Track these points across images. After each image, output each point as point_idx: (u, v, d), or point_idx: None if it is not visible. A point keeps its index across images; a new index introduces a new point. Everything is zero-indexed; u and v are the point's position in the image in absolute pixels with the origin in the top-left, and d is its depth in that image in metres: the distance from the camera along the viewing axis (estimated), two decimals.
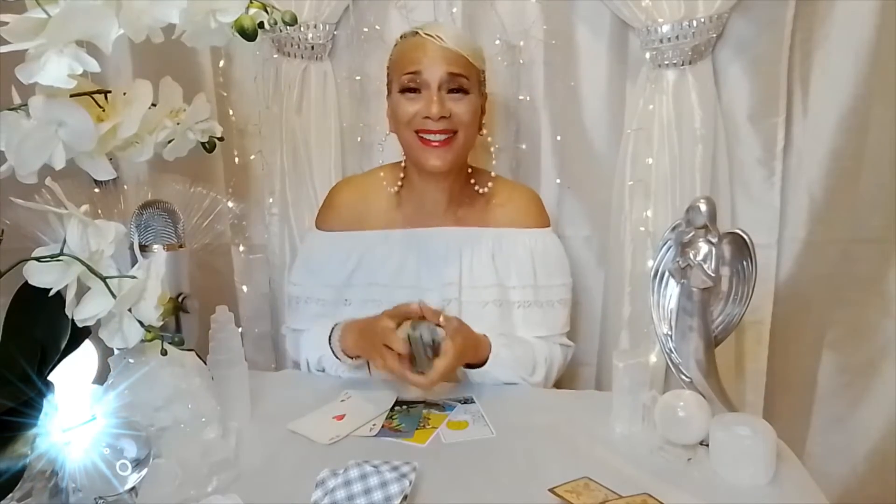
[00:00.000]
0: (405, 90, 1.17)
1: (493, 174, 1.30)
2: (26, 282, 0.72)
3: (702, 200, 0.97)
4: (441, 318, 1.09)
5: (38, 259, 0.72)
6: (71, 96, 0.69)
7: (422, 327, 1.08)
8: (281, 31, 1.39)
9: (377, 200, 1.29)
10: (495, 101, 1.46)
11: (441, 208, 1.27)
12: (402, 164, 1.28)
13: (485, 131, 1.25)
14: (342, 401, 1.14)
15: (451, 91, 1.15)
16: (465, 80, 1.16)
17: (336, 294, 1.27)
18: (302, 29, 1.40)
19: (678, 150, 1.38)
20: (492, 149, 1.29)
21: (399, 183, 1.28)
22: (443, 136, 1.16)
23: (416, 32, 1.17)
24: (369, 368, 1.23)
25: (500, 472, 0.94)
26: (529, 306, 1.25)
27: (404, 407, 1.12)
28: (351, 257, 1.27)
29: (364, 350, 1.16)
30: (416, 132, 1.17)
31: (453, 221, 1.27)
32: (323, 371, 1.25)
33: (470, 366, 1.17)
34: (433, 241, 1.26)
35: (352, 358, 1.19)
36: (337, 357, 1.20)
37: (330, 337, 1.20)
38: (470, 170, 1.28)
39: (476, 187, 1.27)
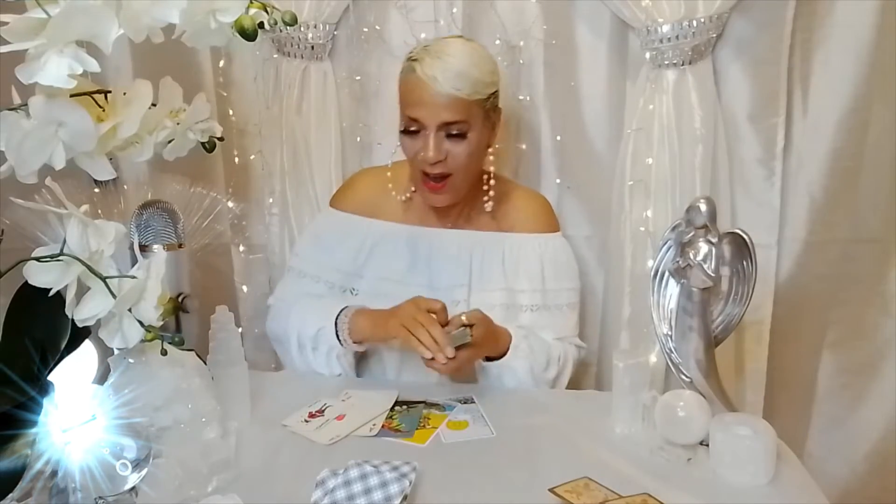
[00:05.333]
0: (406, 130, 1.17)
1: (505, 179, 1.31)
2: (26, 282, 0.72)
3: (702, 200, 0.97)
4: (464, 317, 1.11)
5: (38, 259, 0.72)
6: (71, 96, 0.69)
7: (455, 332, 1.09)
8: (281, 31, 1.39)
9: (396, 193, 1.29)
10: None
11: (454, 211, 1.28)
12: None
13: (491, 151, 1.24)
14: (342, 401, 1.14)
15: (449, 136, 1.15)
16: (465, 124, 1.14)
17: (344, 279, 1.28)
18: (302, 29, 1.40)
19: (678, 150, 1.38)
20: (490, 151, 1.29)
21: (413, 188, 1.28)
22: (439, 180, 1.18)
23: (416, 62, 1.13)
24: (357, 370, 1.25)
25: (500, 472, 0.94)
26: (538, 310, 1.26)
27: (404, 407, 1.12)
28: (364, 244, 1.27)
29: (381, 330, 1.16)
30: (420, 170, 1.19)
31: (465, 224, 1.29)
32: (309, 352, 1.23)
33: (489, 358, 1.18)
34: (445, 241, 1.27)
35: (356, 343, 1.19)
36: (339, 338, 1.19)
37: (337, 318, 1.19)
38: (486, 176, 1.27)
39: (487, 198, 1.27)
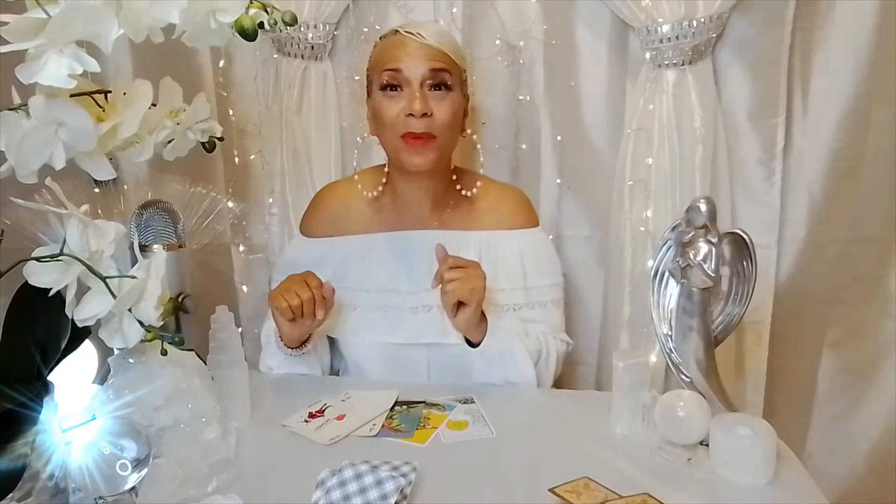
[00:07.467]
0: (386, 87, 1.15)
1: (479, 175, 1.29)
2: (26, 282, 0.72)
3: (702, 200, 0.97)
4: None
5: (38, 259, 0.72)
6: (71, 96, 0.69)
7: None
8: (281, 31, 1.39)
9: (360, 204, 1.27)
10: (495, 102, 1.47)
11: (425, 211, 1.25)
12: (385, 168, 1.26)
13: (468, 131, 1.25)
14: (342, 401, 1.14)
15: (432, 87, 1.14)
16: (448, 74, 1.14)
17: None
18: (302, 29, 1.40)
19: (678, 150, 1.38)
20: (479, 146, 1.29)
21: (380, 188, 1.26)
22: (424, 138, 1.14)
23: (397, 31, 1.16)
24: (357, 370, 1.24)
25: (500, 472, 0.94)
26: (521, 308, 1.24)
27: (404, 407, 1.12)
28: (332, 263, 1.24)
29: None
30: (400, 135, 1.15)
31: (438, 225, 1.25)
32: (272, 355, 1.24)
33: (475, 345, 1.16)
34: (416, 244, 1.23)
35: (294, 348, 1.19)
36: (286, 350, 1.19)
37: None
38: (454, 170, 1.26)
39: (461, 190, 1.25)
